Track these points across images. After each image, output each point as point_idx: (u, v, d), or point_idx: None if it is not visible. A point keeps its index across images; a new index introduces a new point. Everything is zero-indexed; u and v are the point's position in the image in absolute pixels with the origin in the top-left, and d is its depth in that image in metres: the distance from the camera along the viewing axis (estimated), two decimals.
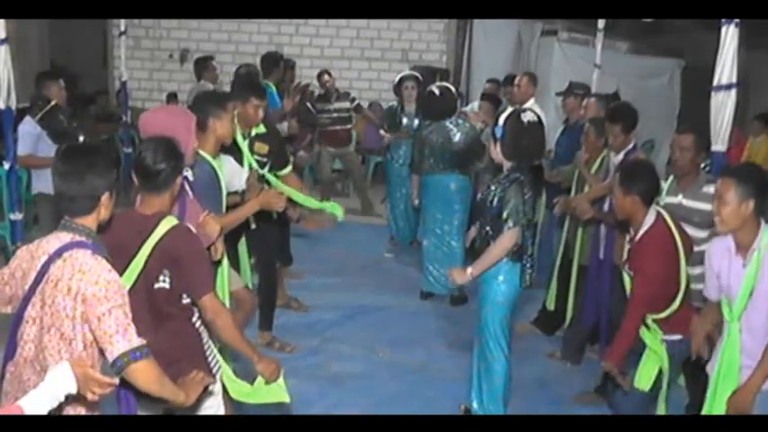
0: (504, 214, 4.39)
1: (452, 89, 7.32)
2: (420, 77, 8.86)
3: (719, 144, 4.65)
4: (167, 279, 3.17)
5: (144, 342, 2.63)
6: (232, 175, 4.57)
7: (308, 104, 9.67)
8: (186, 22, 12.91)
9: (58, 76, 6.69)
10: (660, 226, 3.94)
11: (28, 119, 6.15)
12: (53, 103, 6.13)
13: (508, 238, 4.40)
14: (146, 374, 2.63)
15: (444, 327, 6.48)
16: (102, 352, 2.66)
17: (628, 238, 4.15)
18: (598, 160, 5.57)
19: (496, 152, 4.53)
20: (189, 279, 3.19)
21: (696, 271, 4.31)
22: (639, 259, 3.92)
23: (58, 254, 2.63)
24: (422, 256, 7.18)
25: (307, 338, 6.06)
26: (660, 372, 3.98)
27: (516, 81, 7.73)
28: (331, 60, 12.85)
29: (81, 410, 2.69)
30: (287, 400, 3.60)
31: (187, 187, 3.68)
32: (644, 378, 4.01)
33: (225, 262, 4.33)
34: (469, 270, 4.48)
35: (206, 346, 3.37)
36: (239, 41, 12.49)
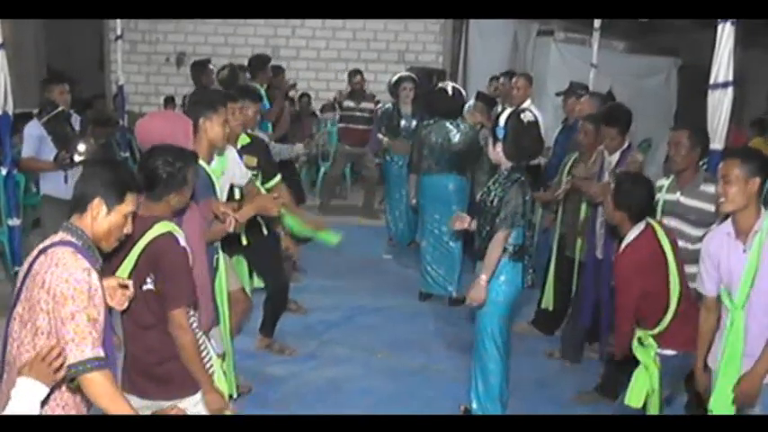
0: (502, 214, 4.40)
1: (463, 91, 7.33)
2: (417, 78, 8.87)
3: (717, 142, 4.65)
4: (153, 281, 3.21)
5: (98, 354, 2.57)
6: (234, 166, 4.59)
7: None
8: (182, 26, 12.91)
9: (62, 80, 6.73)
10: (646, 238, 3.89)
11: (34, 121, 6.20)
12: (60, 108, 6.19)
13: (502, 237, 4.42)
14: (95, 388, 2.60)
15: (443, 328, 6.48)
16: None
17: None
18: (593, 157, 5.57)
19: (496, 152, 4.53)
20: (166, 288, 3.21)
21: (693, 269, 4.32)
22: (618, 269, 3.93)
23: (44, 250, 2.66)
24: (420, 257, 7.18)
25: (306, 340, 6.06)
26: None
27: (513, 82, 7.73)
28: (327, 62, 12.87)
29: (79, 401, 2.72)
30: None
31: None
32: (634, 396, 3.96)
33: (222, 264, 4.34)
34: (482, 277, 4.44)
35: (201, 348, 3.37)
36: (235, 44, 12.50)
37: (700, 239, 4.33)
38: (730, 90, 4.60)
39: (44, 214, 6.19)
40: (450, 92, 7.01)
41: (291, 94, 10.37)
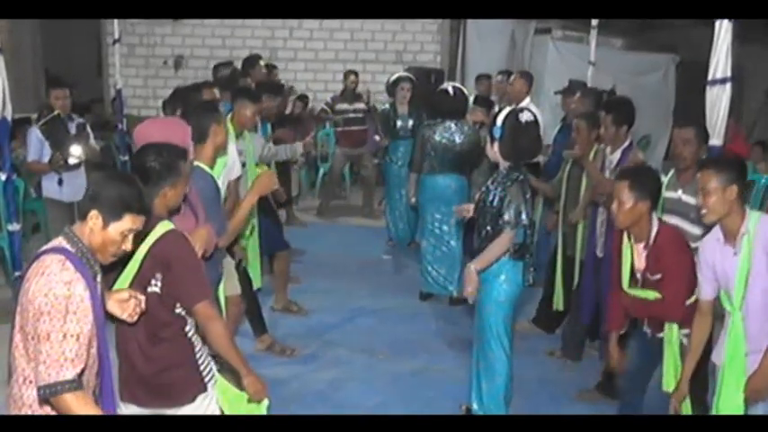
0: (505, 216, 4.39)
1: (464, 90, 7.33)
2: (414, 79, 8.87)
3: (716, 138, 4.64)
4: (158, 284, 3.15)
5: (65, 378, 2.54)
6: (234, 162, 4.65)
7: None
8: (180, 29, 12.90)
9: (61, 84, 6.80)
10: (668, 227, 4.01)
11: (35, 126, 6.35)
12: (55, 112, 6.29)
13: (508, 238, 4.41)
14: (65, 410, 2.58)
15: (444, 327, 6.48)
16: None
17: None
18: (591, 155, 5.56)
19: (494, 151, 4.53)
20: (182, 286, 3.16)
21: None
22: (668, 257, 3.88)
23: (38, 256, 2.65)
24: (420, 257, 7.18)
25: (307, 341, 6.06)
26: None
27: (511, 80, 7.73)
28: (325, 63, 12.86)
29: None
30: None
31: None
32: (670, 379, 4.00)
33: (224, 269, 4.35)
34: (472, 267, 4.42)
35: (198, 356, 3.33)
36: (233, 47, 12.48)
37: (701, 237, 4.34)
38: (728, 86, 4.60)
39: (48, 217, 6.37)
40: (451, 92, 7.01)
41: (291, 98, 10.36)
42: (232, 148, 4.74)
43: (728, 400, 3.57)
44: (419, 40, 13.11)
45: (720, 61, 4.57)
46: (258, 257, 5.84)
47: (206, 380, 3.34)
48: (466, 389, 4.87)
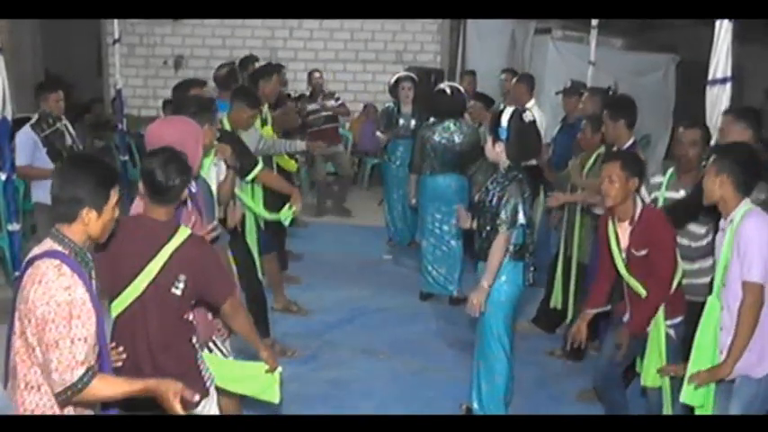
0: (502, 215, 4.40)
1: (462, 89, 7.33)
2: (416, 78, 8.86)
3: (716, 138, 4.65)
4: (181, 286, 3.21)
5: (79, 375, 2.56)
6: (219, 165, 4.71)
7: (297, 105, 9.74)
8: (180, 29, 12.89)
9: (57, 87, 6.73)
10: (650, 207, 4.19)
11: (26, 129, 6.23)
12: (62, 123, 6.29)
13: (504, 238, 4.43)
14: (89, 397, 2.63)
15: (444, 327, 6.48)
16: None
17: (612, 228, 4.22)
18: (593, 156, 5.56)
19: (495, 151, 4.52)
20: (211, 286, 3.32)
21: (695, 266, 4.35)
22: (651, 233, 4.04)
23: (31, 262, 2.64)
24: (421, 257, 7.18)
25: (307, 342, 6.06)
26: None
27: (513, 84, 7.75)
28: (325, 63, 12.84)
29: (80, 409, 2.72)
30: (276, 400, 3.73)
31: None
32: (650, 376, 4.06)
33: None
34: (484, 283, 4.45)
35: (200, 361, 3.42)
36: (233, 47, 12.46)
37: (703, 237, 4.36)
38: (728, 86, 4.60)
39: (39, 222, 6.25)
40: (449, 92, 7.00)
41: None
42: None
43: (690, 391, 3.63)
44: (419, 40, 13.10)
45: (720, 61, 4.58)
46: (258, 255, 5.93)
47: (207, 384, 3.37)
48: (466, 389, 4.87)
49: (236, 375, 3.75)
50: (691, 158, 4.49)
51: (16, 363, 2.66)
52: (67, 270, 2.59)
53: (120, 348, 3.12)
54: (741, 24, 4.68)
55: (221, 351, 3.84)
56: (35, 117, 6.42)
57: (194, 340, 3.39)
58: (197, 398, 2.86)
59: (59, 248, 2.66)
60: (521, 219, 4.43)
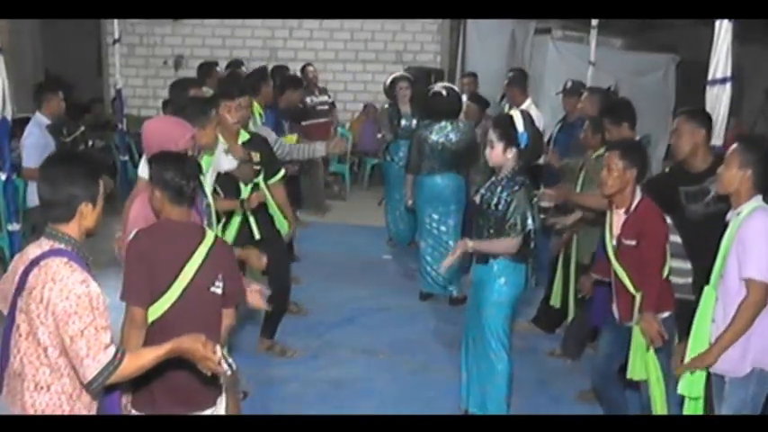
0: (511, 221, 4.40)
1: (457, 90, 7.33)
2: (412, 78, 8.85)
3: (716, 138, 4.65)
4: (220, 284, 3.27)
5: (112, 353, 2.59)
6: (220, 159, 4.74)
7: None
8: (180, 29, 12.89)
9: (56, 87, 6.77)
10: (648, 199, 4.15)
11: (35, 131, 6.29)
12: (82, 128, 6.37)
13: (514, 243, 4.43)
14: (125, 375, 2.66)
15: (444, 327, 6.48)
16: None
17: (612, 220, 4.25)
18: (592, 158, 5.55)
19: (507, 157, 4.47)
20: (233, 287, 3.35)
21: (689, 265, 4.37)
22: (643, 224, 4.05)
23: (36, 261, 2.64)
24: (419, 258, 7.17)
25: (307, 342, 6.06)
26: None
27: (506, 85, 7.78)
28: (325, 63, 12.84)
29: (80, 408, 2.73)
30: None
31: None
32: (636, 368, 4.08)
33: None
34: (470, 243, 4.51)
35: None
36: (233, 47, 12.47)
37: None
38: (728, 86, 4.61)
39: (38, 224, 6.24)
40: (444, 93, 7.00)
41: None
42: (219, 148, 4.73)
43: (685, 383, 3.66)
44: (419, 40, 13.09)
45: (720, 61, 4.58)
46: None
47: (221, 381, 3.39)
48: (464, 391, 4.89)
49: None
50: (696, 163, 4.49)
51: (23, 365, 2.66)
52: (76, 266, 2.63)
53: None
54: (741, 24, 4.68)
55: None
56: (44, 119, 6.45)
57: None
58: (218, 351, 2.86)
59: (62, 246, 2.68)
60: (529, 224, 4.43)
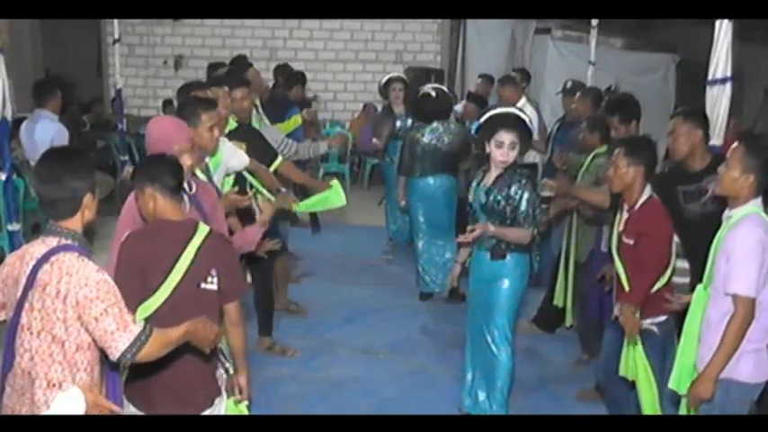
0: (524, 214, 4.50)
1: (446, 90, 7.32)
2: (407, 79, 8.84)
3: (716, 138, 4.65)
4: (215, 280, 3.23)
5: (142, 325, 2.69)
6: (229, 157, 4.71)
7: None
8: (180, 29, 12.90)
9: (57, 86, 6.84)
10: (656, 200, 4.07)
11: (54, 125, 6.54)
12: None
13: (528, 234, 4.54)
14: (153, 351, 2.72)
15: (443, 327, 6.48)
16: (99, 352, 2.73)
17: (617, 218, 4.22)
18: (589, 157, 5.55)
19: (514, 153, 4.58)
20: (229, 282, 3.29)
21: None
22: (644, 224, 3.98)
23: (46, 258, 2.65)
24: (415, 258, 7.16)
25: (306, 342, 6.06)
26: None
27: (498, 89, 7.77)
28: (325, 63, 12.86)
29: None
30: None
31: (186, 200, 3.66)
32: (627, 366, 4.06)
33: None
34: (491, 227, 4.52)
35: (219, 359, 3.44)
36: (233, 47, 12.46)
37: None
38: (728, 86, 4.60)
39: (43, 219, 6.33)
40: (434, 94, 7.00)
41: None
42: (225, 147, 4.72)
43: (679, 382, 3.63)
44: (419, 40, 13.11)
45: (720, 61, 4.58)
46: None
47: (219, 383, 3.40)
48: (465, 392, 4.89)
49: None
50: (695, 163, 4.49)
51: (33, 363, 2.66)
52: (86, 259, 2.68)
53: None
54: (741, 24, 4.68)
55: None
56: (52, 115, 6.59)
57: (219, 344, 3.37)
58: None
59: (69, 242, 2.70)
60: (538, 216, 4.58)
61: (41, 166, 2.74)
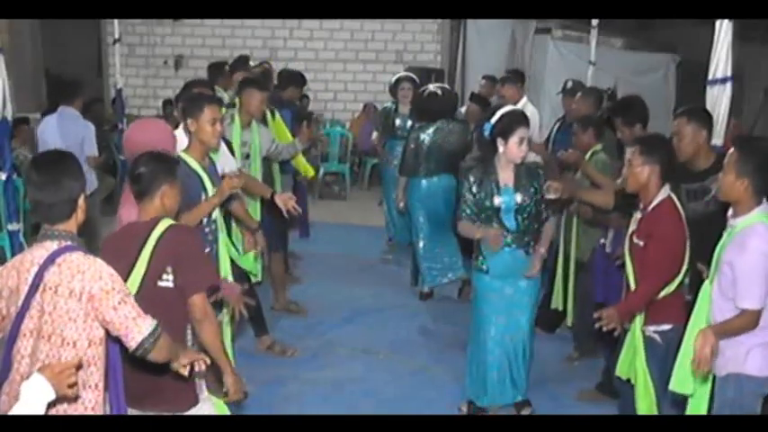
0: (545, 204, 4.70)
1: (452, 90, 7.32)
2: (416, 79, 8.85)
3: (716, 138, 4.65)
4: (170, 277, 3.19)
5: (156, 322, 2.76)
6: (223, 157, 4.75)
7: None
8: (180, 29, 12.91)
9: (79, 85, 7.46)
10: (671, 202, 3.97)
11: (82, 122, 7.07)
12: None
13: (551, 226, 4.86)
14: (165, 347, 2.79)
15: (443, 328, 6.48)
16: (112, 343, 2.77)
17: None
18: (587, 156, 5.53)
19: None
20: (187, 274, 3.21)
21: None
22: (655, 225, 3.89)
23: (51, 261, 2.64)
24: (417, 257, 7.15)
25: (307, 341, 6.06)
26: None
27: (498, 89, 7.77)
28: (325, 63, 12.87)
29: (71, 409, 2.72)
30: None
31: None
32: (623, 367, 4.07)
33: (223, 253, 4.40)
34: (542, 250, 4.76)
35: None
36: (233, 47, 12.48)
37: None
38: (728, 86, 4.61)
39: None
40: (440, 93, 7.00)
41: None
42: (221, 147, 4.75)
43: (681, 377, 3.63)
44: (419, 40, 13.12)
45: (720, 61, 4.58)
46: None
47: (197, 390, 3.38)
48: (466, 389, 4.88)
49: None
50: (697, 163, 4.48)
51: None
52: (93, 256, 2.71)
53: None
54: (741, 24, 4.69)
55: None
56: (76, 113, 7.02)
57: (189, 340, 3.35)
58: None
59: (69, 243, 2.71)
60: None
61: (36, 172, 2.70)
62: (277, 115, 6.65)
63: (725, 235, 3.52)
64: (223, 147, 4.79)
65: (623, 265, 4.19)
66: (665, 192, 3.97)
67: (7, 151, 5.60)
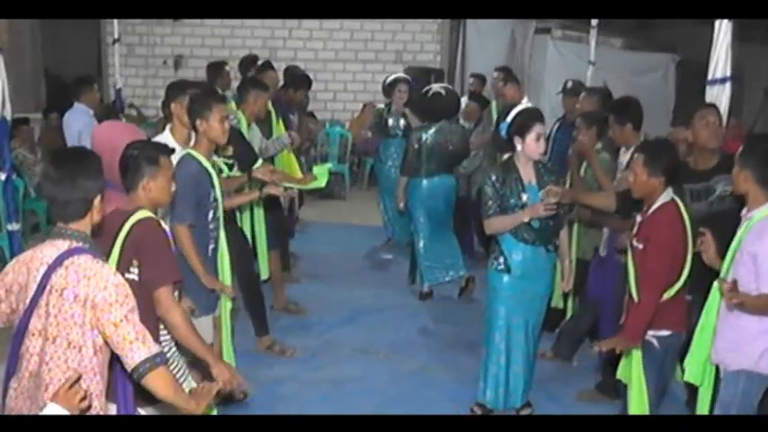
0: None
1: (452, 89, 7.33)
2: (411, 81, 8.84)
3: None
4: (136, 270, 3.20)
5: (161, 348, 2.69)
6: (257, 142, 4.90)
7: None
8: (179, 29, 12.90)
9: (93, 80, 7.13)
10: (673, 205, 3.93)
11: (88, 119, 6.68)
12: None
13: (566, 234, 4.99)
14: (164, 381, 2.69)
15: (443, 327, 6.48)
16: (113, 357, 2.72)
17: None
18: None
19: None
20: (150, 269, 3.21)
21: None
22: (653, 230, 3.88)
23: (59, 262, 2.62)
24: (416, 256, 7.16)
25: (306, 341, 6.05)
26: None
27: (500, 88, 7.76)
28: (325, 63, 12.86)
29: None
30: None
31: None
32: (622, 369, 4.06)
33: (224, 250, 4.40)
34: (566, 262, 4.95)
35: (171, 360, 3.34)
36: (233, 46, 12.48)
37: None
38: (728, 85, 4.61)
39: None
40: (443, 93, 7.01)
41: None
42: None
43: (694, 368, 3.69)
44: (419, 40, 13.11)
45: (720, 61, 4.60)
46: (266, 250, 6.14)
47: (206, 344, 3.40)
48: (466, 389, 4.89)
49: None
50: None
51: (49, 369, 2.64)
52: (101, 261, 2.69)
53: None
54: (741, 24, 4.69)
55: None
56: (87, 109, 6.75)
57: (164, 335, 3.34)
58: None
59: (80, 244, 2.68)
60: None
61: (53, 167, 2.70)
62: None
63: (741, 228, 3.55)
64: (255, 129, 5.17)
65: (623, 252, 4.22)
66: (668, 195, 3.94)
67: (7, 151, 5.60)
